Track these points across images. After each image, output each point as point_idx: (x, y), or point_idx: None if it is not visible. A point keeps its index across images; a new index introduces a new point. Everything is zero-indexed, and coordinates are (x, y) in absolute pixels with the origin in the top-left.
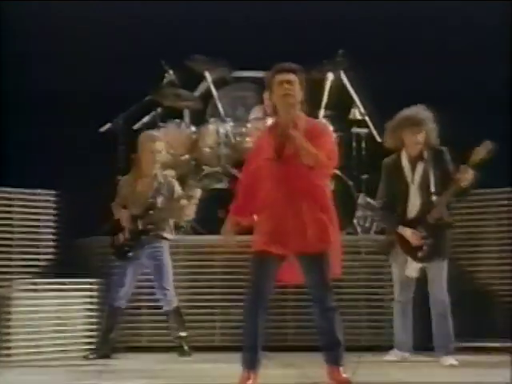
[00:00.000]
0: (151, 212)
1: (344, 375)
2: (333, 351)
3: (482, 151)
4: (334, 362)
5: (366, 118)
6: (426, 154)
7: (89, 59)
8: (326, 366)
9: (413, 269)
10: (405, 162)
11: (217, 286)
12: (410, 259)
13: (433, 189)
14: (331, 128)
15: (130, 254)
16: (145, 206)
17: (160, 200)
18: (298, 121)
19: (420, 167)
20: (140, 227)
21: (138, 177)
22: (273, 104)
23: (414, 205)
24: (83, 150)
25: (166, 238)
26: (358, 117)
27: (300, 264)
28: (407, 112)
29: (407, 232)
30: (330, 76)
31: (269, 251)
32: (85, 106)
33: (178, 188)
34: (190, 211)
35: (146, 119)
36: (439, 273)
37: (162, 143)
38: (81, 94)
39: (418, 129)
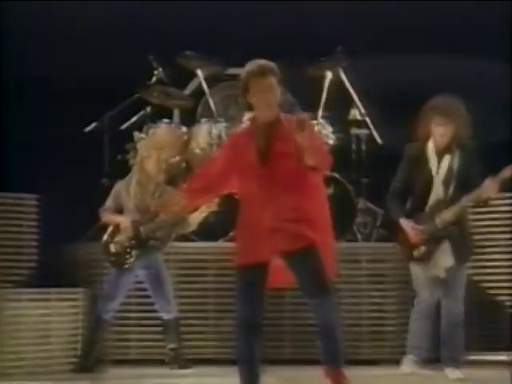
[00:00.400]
0: (156, 220)
1: (343, 376)
2: (331, 350)
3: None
4: (333, 362)
5: (367, 119)
6: (454, 148)
7: (75, 54)
8: (323, 367)
9: (441, 268)
10: (431, 153)
11: (209, 295)
12: (438, 256)
13: (451, 188)
14: (329, 129)
15: (129, 263)
16: (149, 213)
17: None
18: (281, 119)
19: (446, 160)
20: (143, 235)
21: (140, 182)
22: (247, 103)
23: (436, 199)
24: (67, 151)
25: (161, 249)
26: (358, 117)
27: (287, 265)
28: (437, 101)
29: (408, 226)
30: (329, 74)
31: (250, 263)
32: (68, 104)
33: None
34: (194, 222)
35: (134, 119)
36: (456, 279)
37: (166, 151)
38: (63, 92)
39: (445, 120)
